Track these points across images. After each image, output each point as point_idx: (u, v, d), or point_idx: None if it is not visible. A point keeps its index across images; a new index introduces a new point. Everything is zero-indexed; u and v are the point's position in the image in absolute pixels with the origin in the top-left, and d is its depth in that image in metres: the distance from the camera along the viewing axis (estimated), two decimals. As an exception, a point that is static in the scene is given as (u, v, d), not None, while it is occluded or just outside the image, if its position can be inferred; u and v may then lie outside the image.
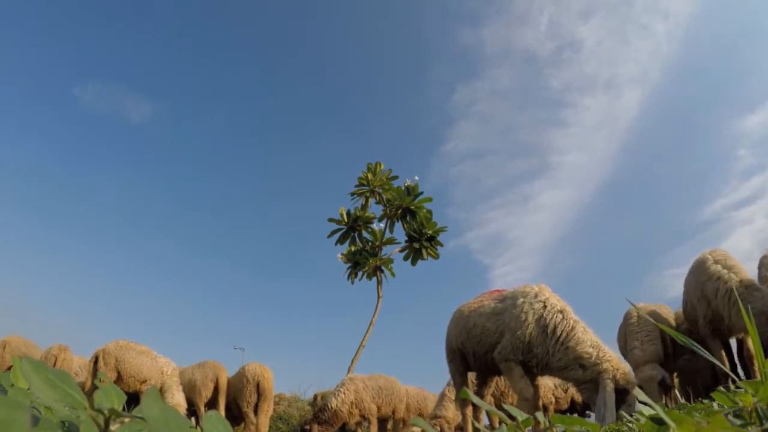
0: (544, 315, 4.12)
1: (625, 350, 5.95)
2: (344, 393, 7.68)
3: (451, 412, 7.05)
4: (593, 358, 3.87)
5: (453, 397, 7.03)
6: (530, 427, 0.79)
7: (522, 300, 4.28)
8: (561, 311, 4.13)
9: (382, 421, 8.25)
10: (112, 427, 0.50)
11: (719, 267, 4.86)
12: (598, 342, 3.98)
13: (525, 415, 0.79)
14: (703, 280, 4.94)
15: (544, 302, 4.21)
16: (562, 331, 3.99)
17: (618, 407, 3.66)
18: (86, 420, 0.50)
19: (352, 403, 7.58)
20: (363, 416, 7.69)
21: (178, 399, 7.14)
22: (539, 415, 0.81)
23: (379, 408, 7.76)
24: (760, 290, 4.54)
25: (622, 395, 3.75)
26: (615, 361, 3.90)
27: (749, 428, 0.85)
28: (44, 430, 0.54)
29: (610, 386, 3.72)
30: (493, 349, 4.42)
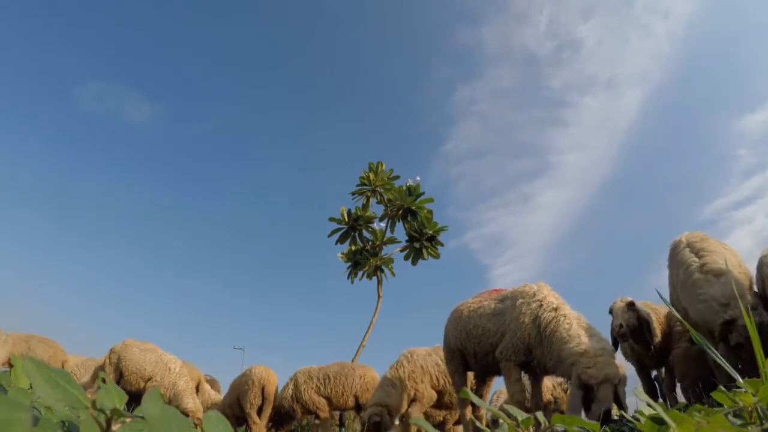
0: (539, 314, 4.03)
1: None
2: (284, 388, 7.59)
3: (394, 400, 5.80)
4: (565, 354, 3.67)
5: (397, 384, 5.89)
6: (531, 427, 0.79)
7: (521, 300, 4.23)
8: (555, 309, 4.00)
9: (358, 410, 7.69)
10: (114, 427, 0.50)
11: (687, 251, 4.14)
12: (578, 335, 3.70)
13: (525, 415, 0.79)
14: (674, 269, 4.30)
15: (541, 301, 4.12)
16: (551, 331, 3.89)
17: (589, 406, 3.43)
18: (86, 420, 0.49)
19: (291, 397, 7.42)
20: (309, 411, 7.37)
21: (197, 404, 7.05)
22: (539, 415, 0.81)
23: (329, 399, 7.33)
24: (722, 275, 3.71)
25: (589, 392, 3.46)
26: (584, 355, 3.56)
27: (749, 428, 0.85)
28: (44, 430, 0.54)
29: (574, 385, 3.52)
30: (493, 350, 4.40)
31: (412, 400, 5.92)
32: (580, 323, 3.88)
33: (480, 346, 4.59)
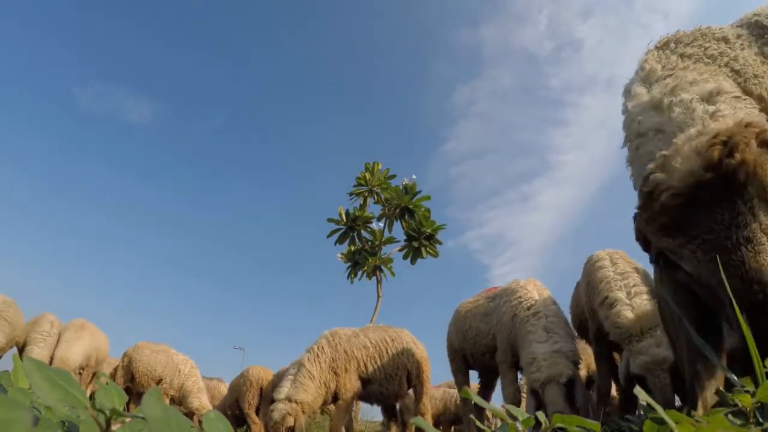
0: (516, 313, 3.88)
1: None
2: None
3: (311, 395, 4.73)
4: (522, 361, 3.54)
5: (315, 374, 4.79)
6: (530, 427, 0.79)
7: (504, 299, 4.14)
8: (529, 307, 3.80)
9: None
10: (114, 428, 0.49)
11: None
12: (531, 341, 3.51)
13: (526, 415, 0.79)
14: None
15: (520, 298, 3.94)
16: (522, 332, 3.73)
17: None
18: (86, 419, 0.49)
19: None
20: None
21: (202, 402, 7.08)
22: (540, 414, 0.81)
23: None
24: None
25: (538, 398, 3.28)
26: (533, 363, 3.39)
27: (749, 428, 0.85)
28: (44, 430, 0.54)
29: (527, 393, 3.43)
30: (489, 351, 4.38)
31: (334, 395, 4.92)
32: (549, 322, 3.60)
33: (476, 347, 4.57)
